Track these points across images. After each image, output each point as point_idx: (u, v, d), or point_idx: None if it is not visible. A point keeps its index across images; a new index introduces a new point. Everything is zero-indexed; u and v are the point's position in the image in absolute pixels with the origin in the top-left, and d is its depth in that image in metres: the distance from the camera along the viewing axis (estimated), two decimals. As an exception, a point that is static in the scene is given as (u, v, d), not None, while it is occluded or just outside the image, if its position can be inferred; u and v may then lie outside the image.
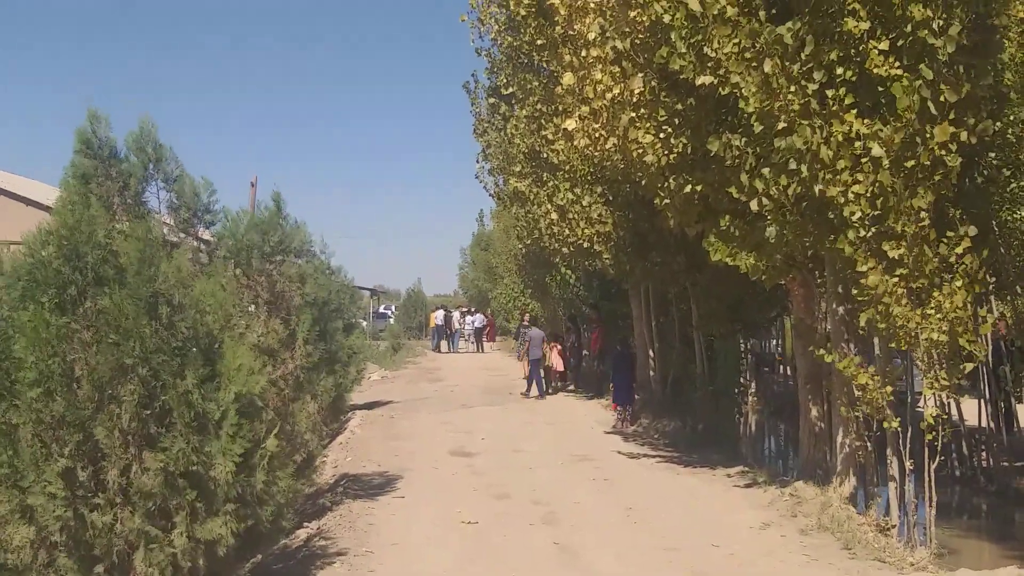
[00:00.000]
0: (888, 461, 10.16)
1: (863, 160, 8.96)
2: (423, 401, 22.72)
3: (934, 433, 9.11)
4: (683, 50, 9.96)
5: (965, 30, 8.64)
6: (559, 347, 24.94)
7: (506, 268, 42.84)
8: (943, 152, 8.71)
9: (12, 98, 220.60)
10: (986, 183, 12.10)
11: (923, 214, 8.85)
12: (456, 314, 49.34)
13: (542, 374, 23.71)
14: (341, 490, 11.96)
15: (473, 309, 52.01)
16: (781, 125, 9.16)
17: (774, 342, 30.23)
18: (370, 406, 21.51)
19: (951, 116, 8.69)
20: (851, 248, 9.15)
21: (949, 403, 13.80)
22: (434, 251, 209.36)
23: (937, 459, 9.26)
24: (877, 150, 8.76)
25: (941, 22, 8.60)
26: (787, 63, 9.16)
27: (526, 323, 29.86)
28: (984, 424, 16.00)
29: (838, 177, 9.02)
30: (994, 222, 12.61)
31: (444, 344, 45.63)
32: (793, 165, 9.27)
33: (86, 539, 6.31)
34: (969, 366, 9.47)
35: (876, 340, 10.63)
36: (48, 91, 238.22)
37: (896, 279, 8.96)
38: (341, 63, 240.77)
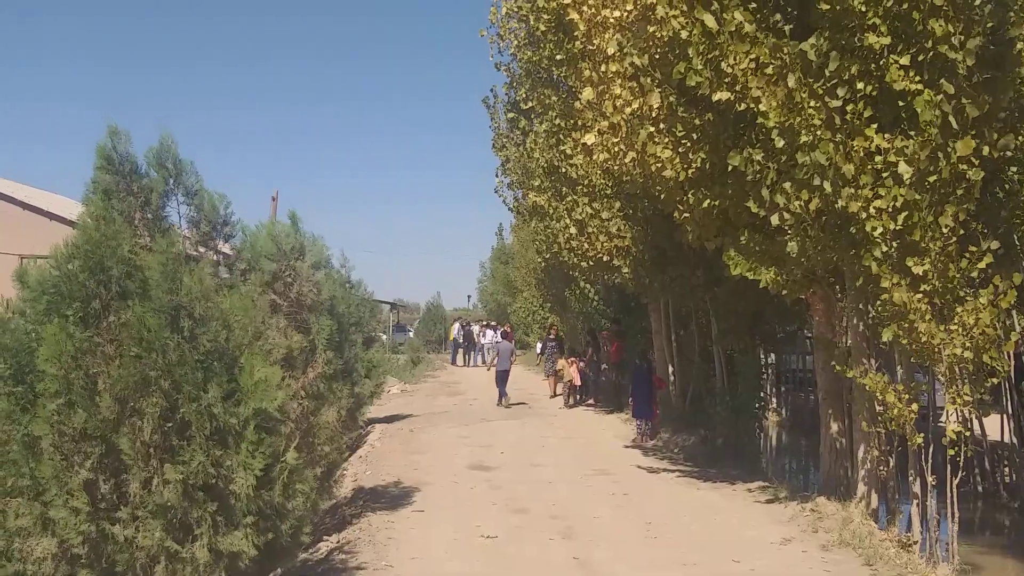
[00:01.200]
0: (910, 477, 10.10)
1: (884, 175, 8.95)
2: (442, 415, 22.74)
3: (956, 448, 9.07)
4: (700, 66, 9.97)
5: (985, 43, 8.63)
6: (578, 361, 24.91)
7: (525, 282, 42.86)
8: (964, 166, 8.69)
9: (35, 113, 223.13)
10: (1007, 197, 12.03)
11: (946, 230, 8.82)
12: (475, 328, 49.21)
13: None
14: (361, 503, 11.99)
15: (494, 323, 51.74)
16: (803, 140, 9.15)
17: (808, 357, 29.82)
18: (390, 419, 21.56)
19: (972, 130, 8.68)
20: (877, 264, 9.12)
21: (972, 418, 13.70)
22: (454, 265, 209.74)
23: (959, 474, 9.20)
24: (904, 167, 8.73)
25: (961, 36, 8.60)
26: (810, 79, 9.16)
27: (552, 337, 29.82)
28: (1007, 439, 15.88)
29: (860, 192, 9.01)
30: (1016, 236, 12.52)
31: (461, 357, 45.60)
32: (816, 181, 9.26)
33: (108, 552, 6.35)
34: (993, 380, 9.45)
35: (897, 355, 10.58)
36: (70, 106, 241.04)
37: (920, 295, 8.93)
38: (359, 79, 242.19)
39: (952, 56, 8.62)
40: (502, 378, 24.72)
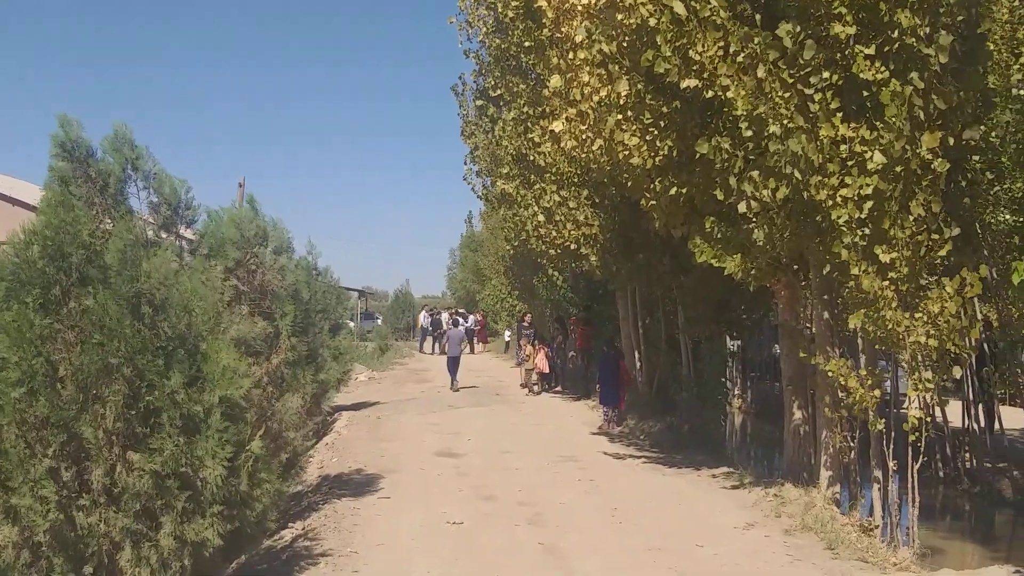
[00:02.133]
0: (872, 462, 10.22)
1: (849, 164, 9.01)
2: (410, 402, 22.70)
3: (918, 434, 9.17)
4: (668, 53, 9.99)
5: (956, 38, 8.69)
6: (545, 348, 24.96)
7: (494, 269, 42.84)
8: (930, 157, 8.77)
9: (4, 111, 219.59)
10: (969, 186, 12.18)
11: (910, 219, 8.89)
12: (444, 316, 49.15)
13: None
14: (326, 490, 11.96)
15: (463, 311, 51.55)
16: (773, 129, 9.18)
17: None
18: (357, 407, 21.49)
19: (939, 122, 8.75)
20: (846, 251, 9.19)
21: (933, 405, 13.88)
22: (423, 253, 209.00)
23: (920, 460, 9.32)
24: (878, 156, 8.78)
25: (928, 29, 8.66)
26: (783, 66, 9.18)
27: (526, 324, 29.89)
28: (968, 426, 16.09)
29: (827, 180, 9.07)
30: (977, 225, 12.69)
31: (429, 345, 45.55)
32: (788, 169, 9.29)
33: (71, 539, 6.30)
34: (957, 370, 9.57)
35: (860, 342, 10.68)
36: (36, 91, 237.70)
37: (887, 282, 9.01)
38: (328, 65, 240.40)
39: (924, 51, 8.67)
40: (452, 364, 25.68)
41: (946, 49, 8.58)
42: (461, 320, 46.59)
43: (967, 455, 16.10)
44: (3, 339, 6.27)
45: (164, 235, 8.86)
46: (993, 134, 12.14)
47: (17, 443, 6.21)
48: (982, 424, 15.98)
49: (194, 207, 9.14)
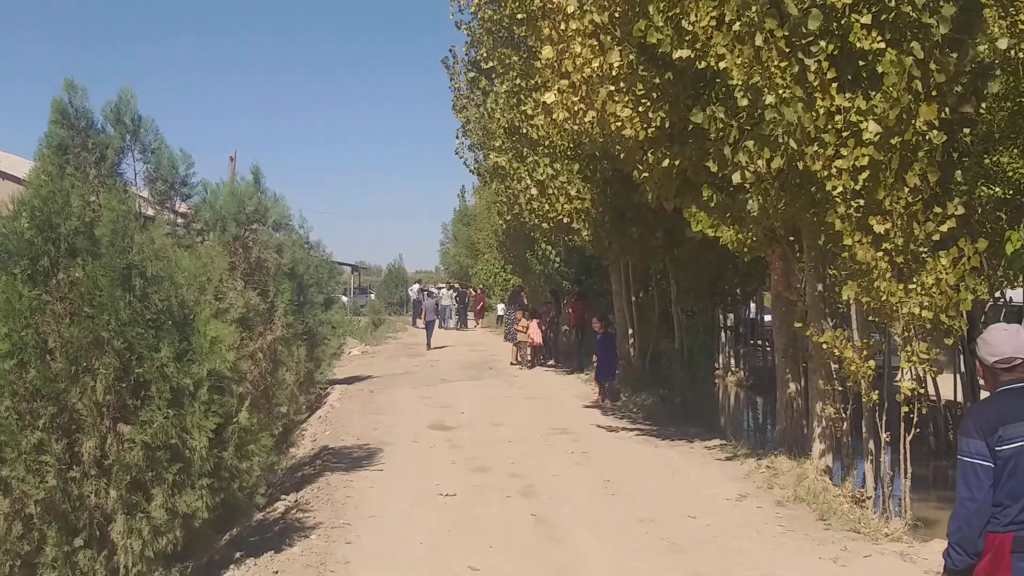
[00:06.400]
0: (864, 434, 10.24)
1: (844, 134, 8.95)
2: (403, 376, 22.73)
3: (910, 406, 9.18)
4: (660, 24, 9.91)
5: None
6: (539, 321, 24.97)
7: (487, 244, 42.81)
8: (926, 128, 8.70)
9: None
10: (961, 159, 12.13)
11: (908, 191, 8.82)
12: (433, 289, 49.18)
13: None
14: (319, 463, 11.97)
15: (457, 285, 51.53)
16: (770, 99, 9.09)
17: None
18: (350, 381, 21.51)
19: (935, 94, 8.68)
20: (840, 222, 9.14)
21: (925, 377, 13.92)
22: (416, 227, 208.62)
23: (913, 432, 9.33)
24: (873, 126, 8.69)
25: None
26: (784, 33, 9.06)
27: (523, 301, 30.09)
28: (959, 398, 16.16)
29: (821, 151, 9.00)
30: (969, 197, 12.66)
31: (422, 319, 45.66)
32: (783, 139, 9.21)
33: (63, 511, 6.29)
34: (949, 341, 9.55)
35: (853, 314, 10.67)
36: (26, 64, 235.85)
37: (881, 253, 8.98)
38: (320, 38, 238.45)
39: (926, 21, 8.57)
40: (428, 327, 31.99)
41: (948, 20, 8.46)
42: (453, 293, 46.74)
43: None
44: (-6, 310, 6.23)
45: (159, 208, 8.78)
46: (983, 105, 12.06)
47: (8, 415, 6.19)
48: (974, 396, 16.03)
49: (191, 184, 9.06)
